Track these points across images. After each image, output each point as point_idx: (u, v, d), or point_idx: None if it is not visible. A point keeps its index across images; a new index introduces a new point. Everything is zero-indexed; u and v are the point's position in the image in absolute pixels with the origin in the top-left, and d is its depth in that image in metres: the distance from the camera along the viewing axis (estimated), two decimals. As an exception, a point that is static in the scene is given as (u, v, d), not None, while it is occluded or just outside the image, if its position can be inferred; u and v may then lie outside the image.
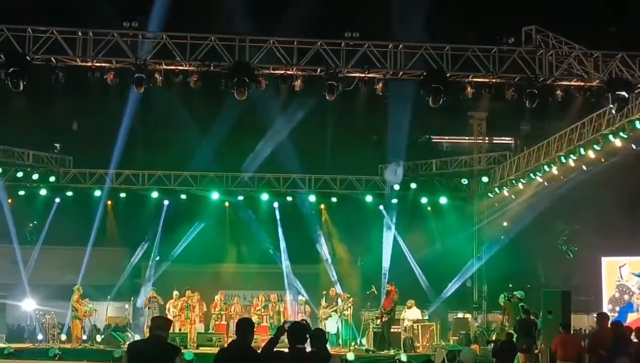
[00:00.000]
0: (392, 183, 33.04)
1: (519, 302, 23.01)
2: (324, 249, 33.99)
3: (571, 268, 37.31)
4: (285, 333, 9.22)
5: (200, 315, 28.59)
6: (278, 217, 34.20)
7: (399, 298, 26.56)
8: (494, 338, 23.34)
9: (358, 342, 27.82)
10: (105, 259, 36.11)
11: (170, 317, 25.85)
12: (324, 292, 29.12)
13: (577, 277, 35.37)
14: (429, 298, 32.82)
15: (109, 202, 33.82)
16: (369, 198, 33.76)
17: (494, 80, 21.57)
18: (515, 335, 19.98)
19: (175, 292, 28.58)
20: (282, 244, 34.11)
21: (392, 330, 26.04)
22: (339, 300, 28.10)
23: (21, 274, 32.54)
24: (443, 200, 33.94)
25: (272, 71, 21.31)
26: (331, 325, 27.54)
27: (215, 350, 19.86)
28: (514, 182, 31.10)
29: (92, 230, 33.40)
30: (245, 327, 9.16)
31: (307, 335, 9.30)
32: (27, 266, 33.03)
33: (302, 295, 31.07)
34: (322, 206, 34.65)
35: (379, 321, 26.34)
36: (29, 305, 30.25)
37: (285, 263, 33.77)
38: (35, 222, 35.38)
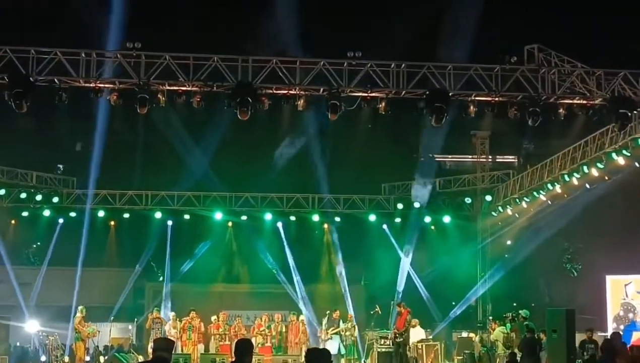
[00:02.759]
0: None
1: (524, 321, 22.93)
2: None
3: (575, 286, 37.14)
4: None
5: (200, 335, 28.43)
6: (283, 236, 34.23)
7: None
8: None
9: (362, 362, 27.75)
10: (108, 280, 36.05)
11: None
12: (327, 312, 29.07)
13: (581, 295, 35.19)
14: (433, 318, 32.71)
15: (112, 223, 33.82)
16: (372, 217, 33.74)
17: (496, 98, 21.57)
18: (519, 354, 19.93)
19: (172, 313, 28.45)
20: (291, 263, 34.14)
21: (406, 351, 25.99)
22: (341, 323, 28.06)
23: (25, 296, 32.51)
24: (447, 219, 33.92)
25: (275, 91, 21.32)
26: (332, 346, 27.47)
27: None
28: (517, 200, 31.08)
29: (96, 251, 33.45)
30: (243, 348, 9.13)
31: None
32: (31, 287, 33.00)
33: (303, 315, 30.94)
34: (326, 226, 34.64)
35: (382, 341, 26.26)
36: (32, 326, 30.17)
37: (297, 279, 33.87)
38: (39, 243, 35.36)
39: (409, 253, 33.77)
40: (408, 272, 33.79)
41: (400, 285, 33.37)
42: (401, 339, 25.61)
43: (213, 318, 28.78)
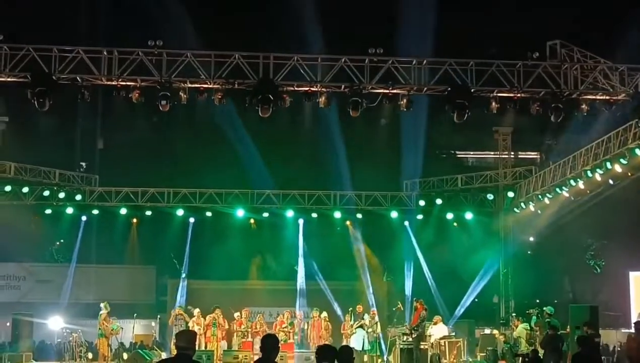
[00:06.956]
0: None
1: (548, 318, 22.83)
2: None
3: (599, 283, 36.97)
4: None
5: (223, 332, 28.46)
6: (305, 233, 34.28)
7: (427, 314, 26.34)
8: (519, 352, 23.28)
9: (385, 358, 27.70)
10: (131, 277, 36.27)
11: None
12: (350, 309, 29.04)
13: (605, 292, 35.06)
14: (453, 314, 32.63)
15: (135, 220, 33.95)
16: (394, 214, 33.69)
17: (518, 95, 21.48)
18: (542, 352, 19.84)
19: (197, 310, 28.51)
20: (313, 260, 34.22)
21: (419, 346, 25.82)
22: (365, 316, 28.01)
23: (49, 293, 32.70)
24: (469, 215, 33.79)
25: (296, 88, 21.32)
26: (356, 342, 27.40)
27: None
28: (540, 196, 30.89)
29: (118, 248, 33.62)
30: (270, 343, 9.14)
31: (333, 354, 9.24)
32: (55, 285, 33.18)
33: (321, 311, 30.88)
34: (348, 222, 34.63)
35: (405, 337, 26.14)
36: (56, 323, 30.35)
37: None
38: (62, 241, 35.53)
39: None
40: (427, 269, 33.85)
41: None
42: (415, 334, 25.39)
43: (236, 315, 28.80)
